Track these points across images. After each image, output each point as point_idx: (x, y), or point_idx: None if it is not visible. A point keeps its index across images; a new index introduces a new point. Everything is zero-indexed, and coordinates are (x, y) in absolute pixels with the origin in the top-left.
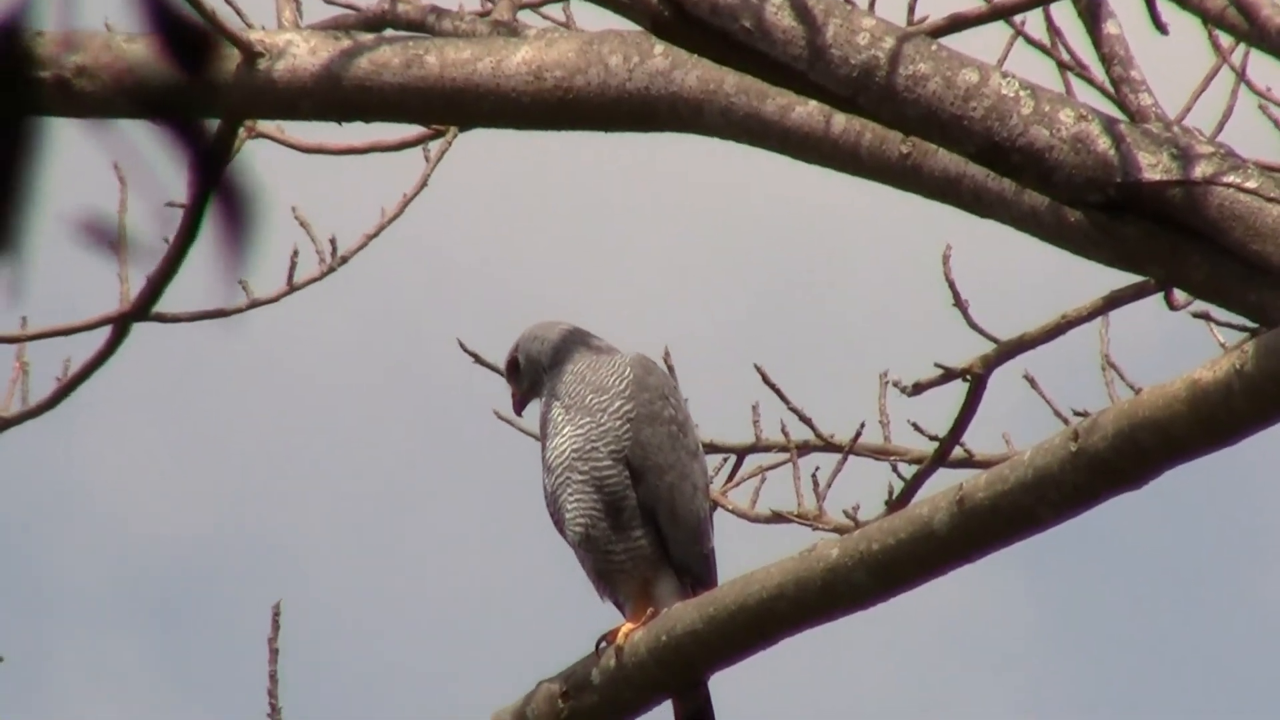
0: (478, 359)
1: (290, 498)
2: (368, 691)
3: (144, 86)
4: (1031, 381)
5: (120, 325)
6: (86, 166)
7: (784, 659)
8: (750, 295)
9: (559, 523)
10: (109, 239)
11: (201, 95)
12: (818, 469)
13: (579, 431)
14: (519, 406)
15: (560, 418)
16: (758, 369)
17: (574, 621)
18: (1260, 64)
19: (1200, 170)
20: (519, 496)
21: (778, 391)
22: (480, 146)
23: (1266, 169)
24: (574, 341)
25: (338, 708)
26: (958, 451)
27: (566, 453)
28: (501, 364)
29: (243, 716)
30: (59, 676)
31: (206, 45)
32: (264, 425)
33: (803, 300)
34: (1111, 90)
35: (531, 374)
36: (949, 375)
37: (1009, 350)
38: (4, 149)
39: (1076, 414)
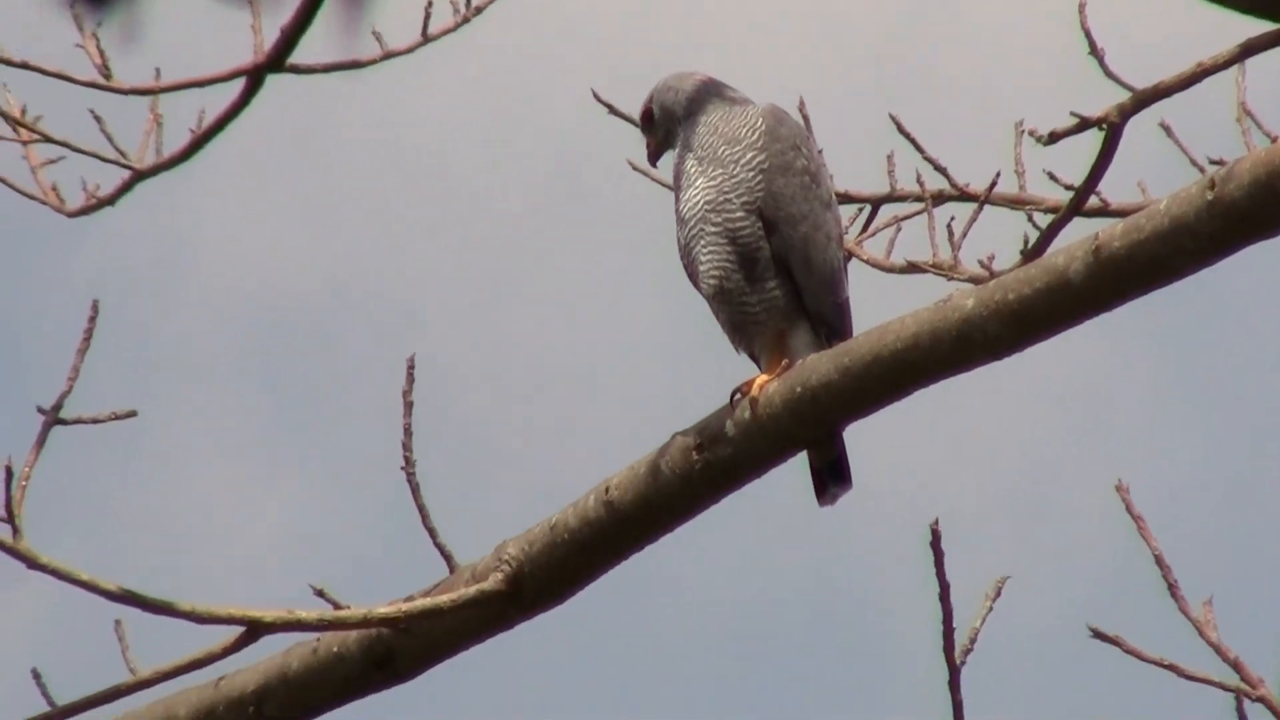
0: (612, 109)
1: (421, 253)
2: (502, 447)
3: None
4: (1167, 130)
5: (254, 76)
6: None
7: (896, 415)
8: (884, 44)
9: (693, 275)
10: None
11: None
12: (953, 219)
13: (711, 183)
14: (654, 157)
15: (693, 169)
16: (892, 118)
17: (709, 375)
18: None
19: None
20: (655, 250)
21: (912, 141)
22: None
23: None
24: (708, 92)
25: (468, 463)
26: (1093, 201)
27: (699, 204)
28: (636, 114)
29: (365, 470)
30: (176, 431)
31: None
32: (394, 180)
33: (938, 50)
34: None
35: (666, 124)
36: (1084, 124)
37: (1145, 98)
38: None
39: (1212, 162)
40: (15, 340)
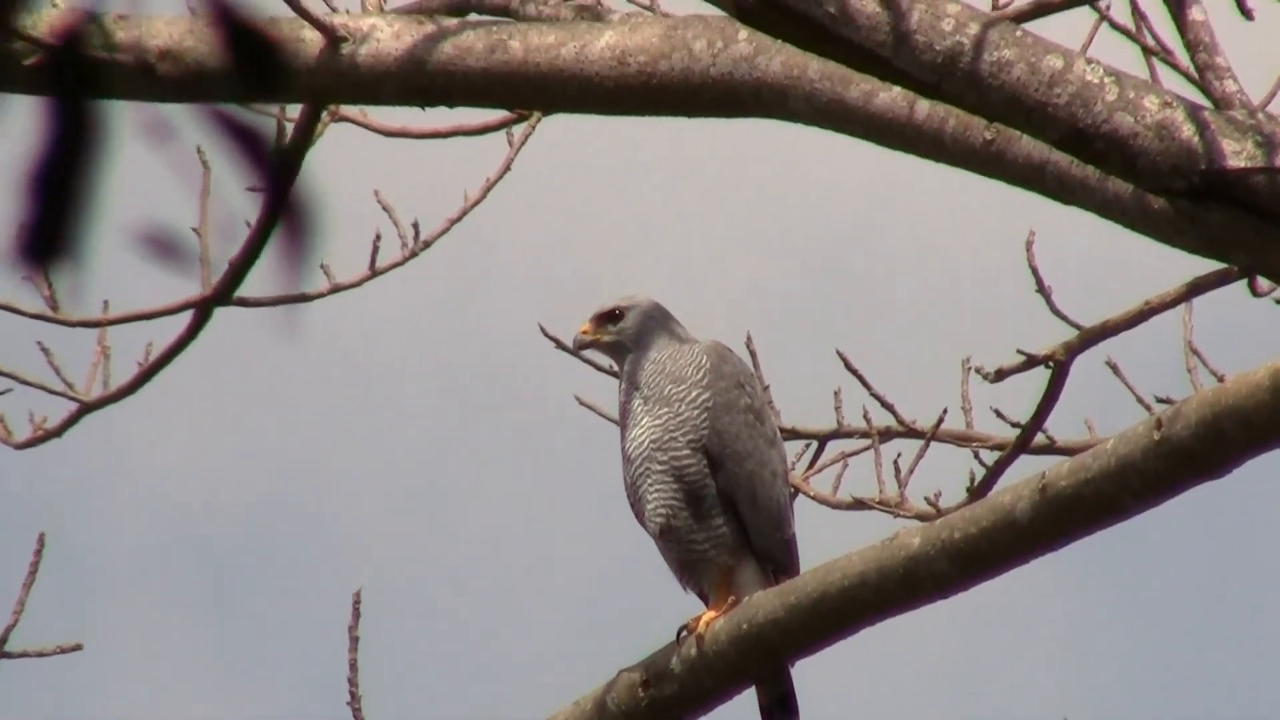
0: (559, 344)
1: (364, 481)
2: (439, 680)
3: (216, 77)
4: (1114, 368)
5: (202, 309)
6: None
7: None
8: (831, 280)
9: (639, 513)
10: (168, 248)
11: (266, 89)
12: (899, 455)
13: (657, 422)
14: (582, 347)
15: (639, 409)
16: (840, 354)
17: (655, 611)
18: None
19: None
20: (600, 485)
21: (859, 377)
22: (563, 131)
23: None
24: (658, 325)
25: (405, 693)
26: (1040, 439)
27: (645, 443)
28: (573, 339)
29: (304, 697)
30: (118, 658)
31: (267, 46)
32: (340, 408)
33: (884, 285)
34: (1196, 76)
35: (623, 337)
36: (1031, 362)
37: (1092, 337)
38: (63, 152)
39: (1160, 401)
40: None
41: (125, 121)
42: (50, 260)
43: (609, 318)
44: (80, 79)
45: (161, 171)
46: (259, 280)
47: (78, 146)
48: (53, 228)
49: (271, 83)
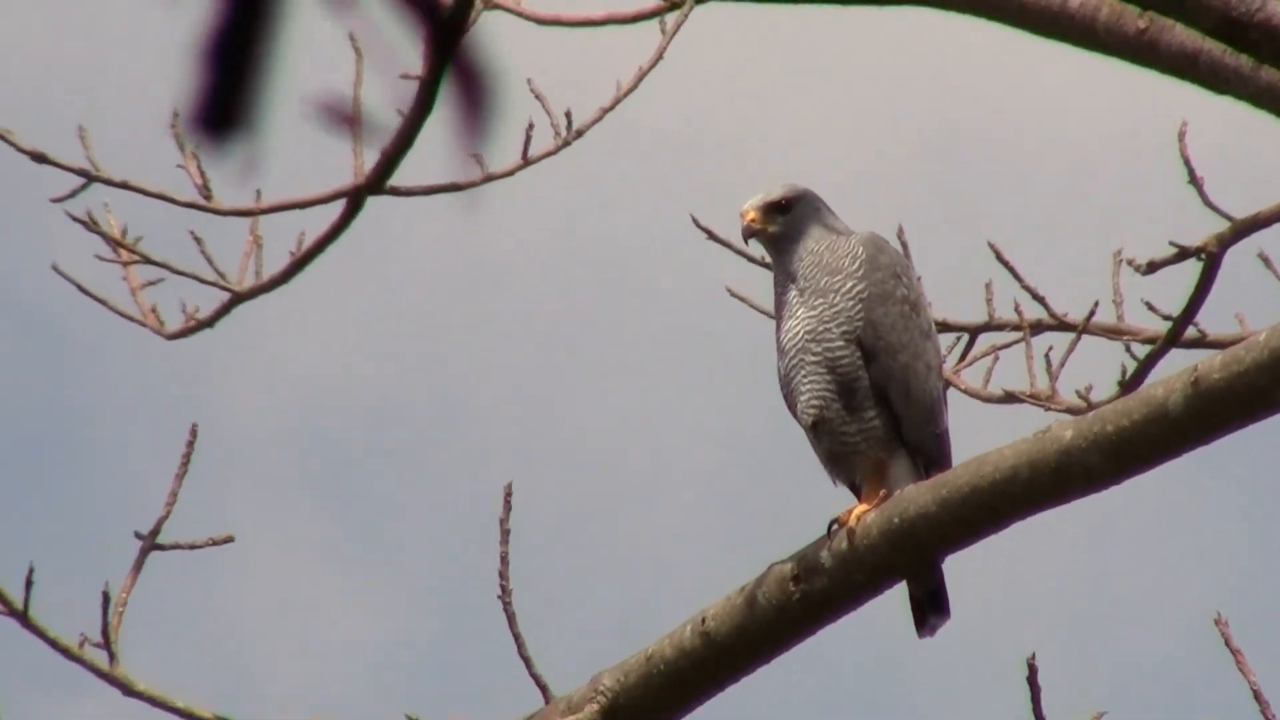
0: (711, 235)
1: (509, 375)
2: (585, 576)
3: None
4: (1266, 261)
5: (354, 198)
6: (321, 39)
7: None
8: (986, 173)
9: (792, 405)
10: (345, 118)
11: None
12: (1051, 348)
13: (812, 314)
14: (751, 235)
15: (794, 300)
16: (991, 246)
17: (806, 507)
18: None
19: None
20: (753, 377)
21: (1011, 270)
22: (717, 19)
23: None
24: (814, 217)
25: (551, 588)
26: (1192, 332)
27: (800, 335)
28: (741, 228)
29: (454, 595)
30: (257, 551)
31: None
32: (488, 300)
33: (1034, 179)
34: None
35: (788, 227)
36: (1183, 254)
37: (1244, 228)
38: (241, 21)
39: None
40: (109, 462)
41: None
42: (226, 131)
43: (777, 208)
44: None
45: (311, 55)
46: (415, 166)
47: (254, 16)
48: (230, 98)
49: None
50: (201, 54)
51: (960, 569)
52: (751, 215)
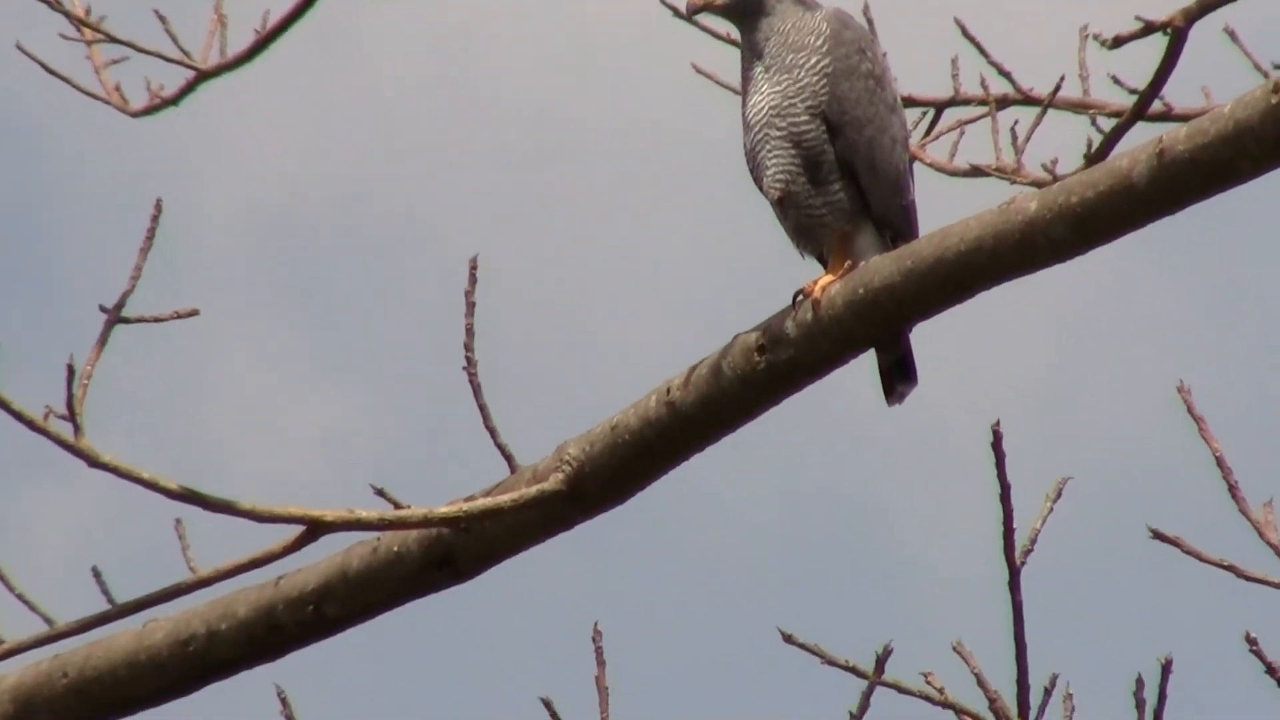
0: (676, 12)
1: (476, 160)
2: (559, 350)
3: None
4: (1232, 35)
5: None
6: None
7: (938, 325)
8: None
9: (759, 180)
10: None
11: None
12: (1016, 122)
13: (776, 89)
14: (694, 10)
15: (760, 76)
16: (957, 22)
17: (772, 279)
18: None
19: None
20: (717, 155)
21: (976, 45)
22: None
23: None
24: None
25: (524, 365)
26: (1157, 106)
27: (765, 110)
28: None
29: (418, 372)
30: (220, 332)
31: None
32: (459, 85)
33: None
34: None
35: (737, 2)
36: (1149, 28)
37: (1210, 3)
38: None
39: (1277, 67)
40: (75, 242)
41: None
42: None
43: None
44: None
45: None
46: None
47: None
48: None
49: None
50: None
51: (927, 343)
52: None
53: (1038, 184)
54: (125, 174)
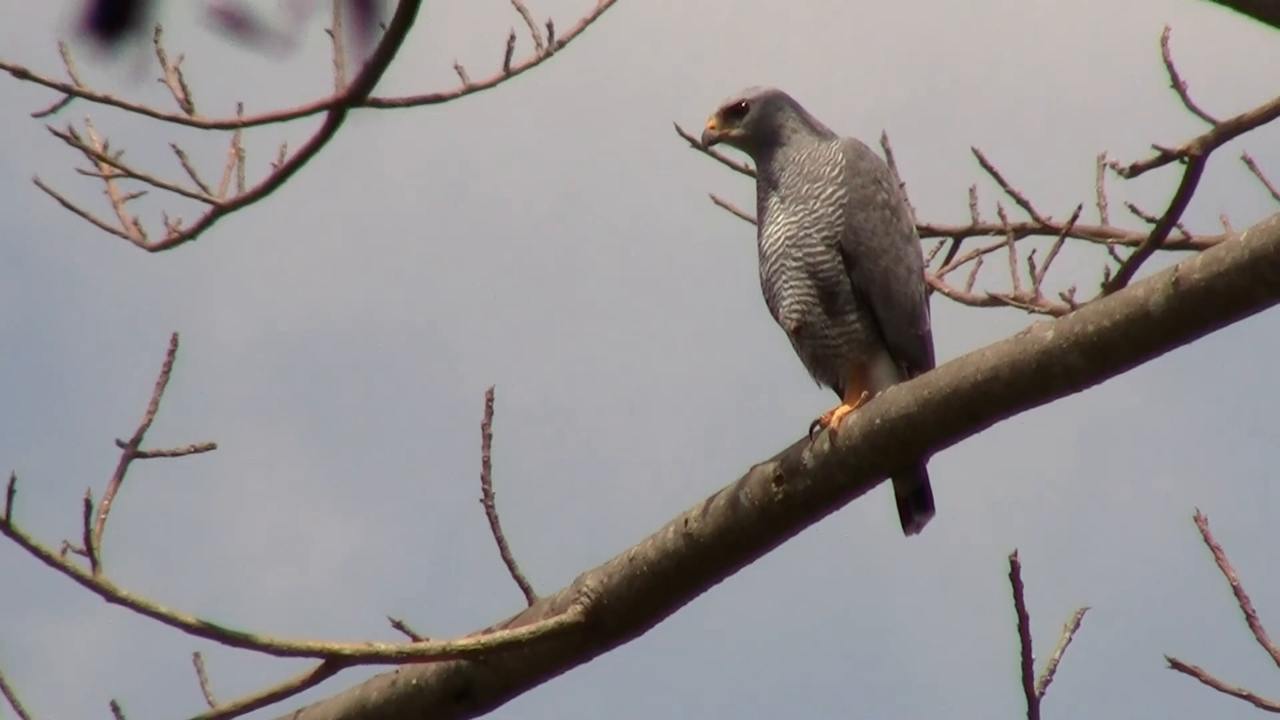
0: (695, 143)
1: (489, 287)
2: (569, 485)
3: None
4: (1250, 163)
5: (336, 110)
6: None
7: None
8: (969, 79)
9: (774, 310)
10: (238, 21)
11: None
12: (1034, 251)
13: (793, 219)
14: (710, 143)
15: (775, 206)
16: (975, 151)
17: (789, 411)
18: None
19: None
20: (734, 284)
21: (995, 174)
22: None
23: None
24: (794, 121)
25: (539, 496)
26: (1175, 234)
27: (781, 240)
28: (702, 135)
29: (435, 504)
30: (236, 464)
31: None
32: (472, 211)
33: (1020, 83)
34: None
35: (751, 131)
36: (1166, 157)
37: (1227, 131)
38: None
39: None
40: (93, 376)
41: None
42: (116, 34)
43: (735, 112)
44: None
45: None
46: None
47: None
48: (119, 2)
49: None
50: None
51: (944, 469)
52: (711, 121)
53: (1055, 313)
54: (140, 303)
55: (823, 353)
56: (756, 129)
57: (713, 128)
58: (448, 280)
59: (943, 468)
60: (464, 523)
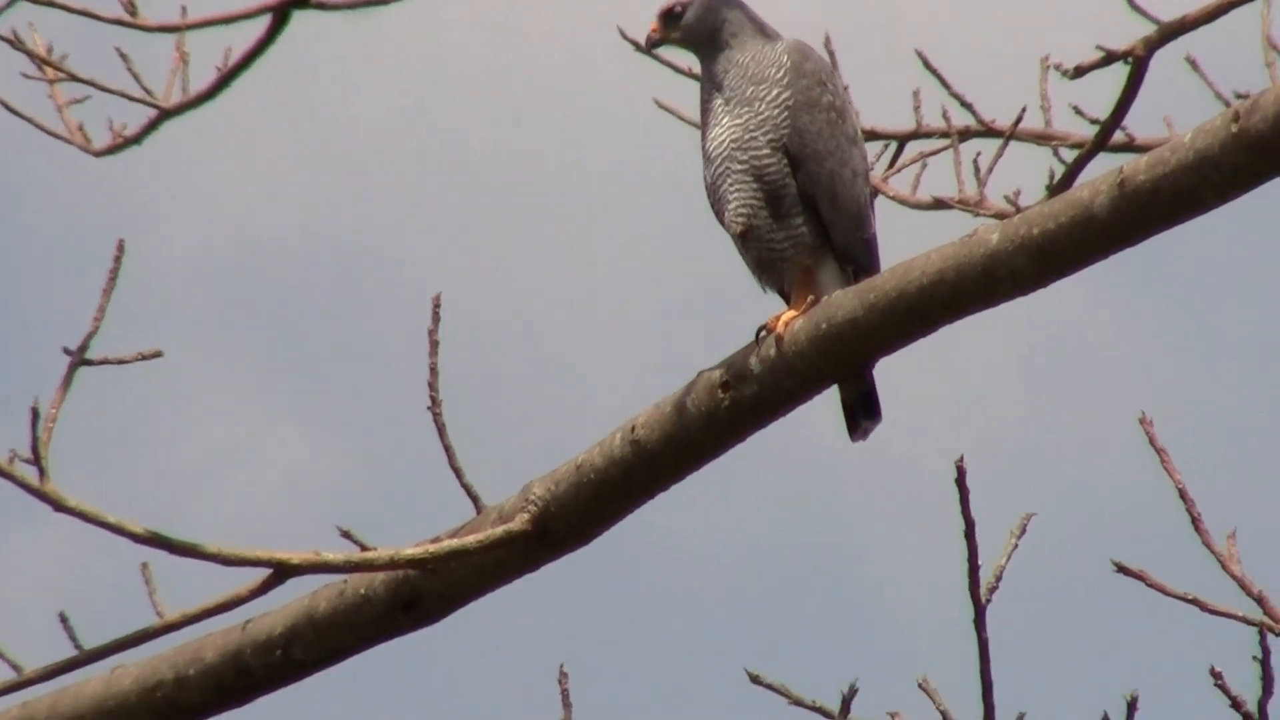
0: (639, 46)
1: (436, 197)
2: (523, 389)
3: None
4: (1194, 64)
5: (280, 13)
6: None
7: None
8: None
9: (720, 213)
10: None
11: None
12: (979, 154)
13: (738, 122)
14: (653, 45)
15: (720, 109)
16: (919, 54)
17: (734, 314)
18: None
19: None
20: (679, 189)
21: (939, 76)
22: None
23: None
24: (738, 23)
25: (489, 406)
26: (1120, 136)
27: (725, 143)
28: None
29: (382, 412)
30: (182, 374)
31: None
32: (418, 119)
33: None
34: None
35: (687, 33)
36: (1110, 57)
37: (1170, 32)
38: None
39: (1238, 96)
40: (32, 278)
41: None
42: None
43: (671, 14)
44: None
45: None
46: None
47: None
48: None
49: None
50: None
51: (895, 380)
52: (653, 24)
53: (1001, 216)
54: (87, 210)
55: (768, 256)
56: (696, 30)
57: (654, 30)
58: (395, 190)
59: (890, 377)
60: (411, 432)
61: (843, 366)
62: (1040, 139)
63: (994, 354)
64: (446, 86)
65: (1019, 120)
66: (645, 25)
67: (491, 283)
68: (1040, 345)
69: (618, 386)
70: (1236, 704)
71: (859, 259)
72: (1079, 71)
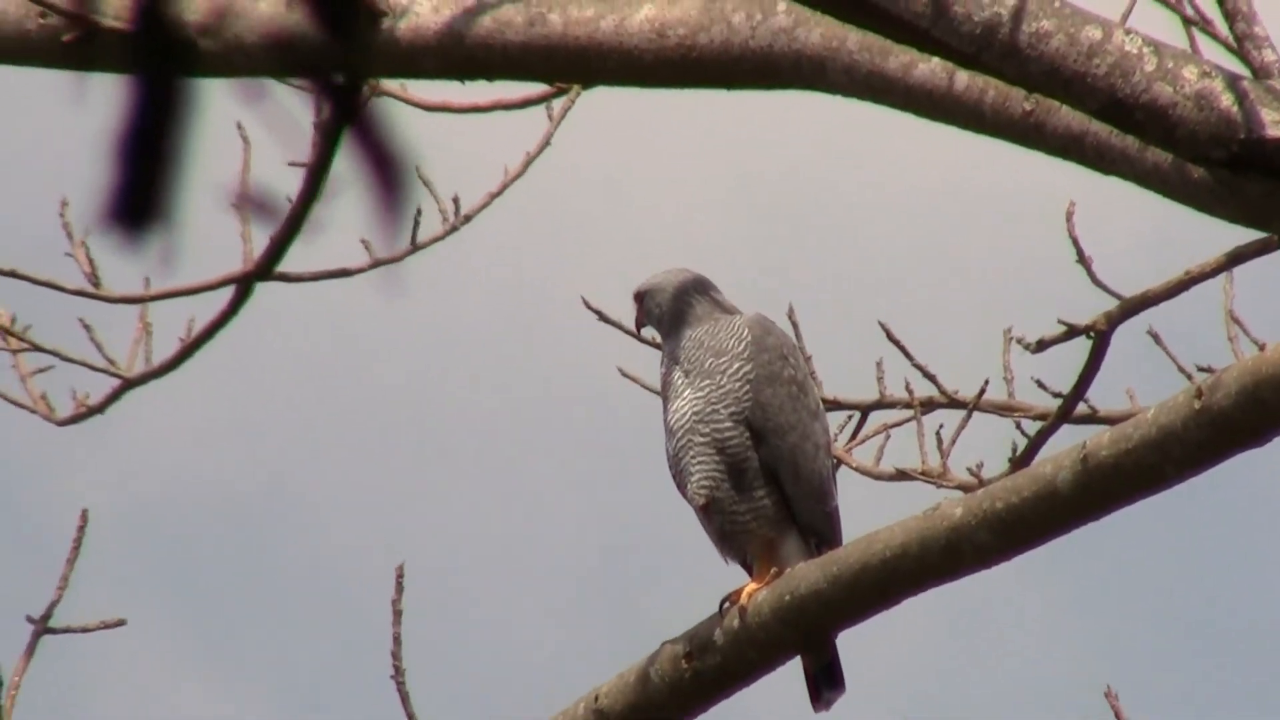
0: (602, 316)
1: (389, 459)
2: (475, 661)
3: (285, 46)
4: (1156, 338)
5: (244, 285)
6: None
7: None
8: (876, 253)
9: (682, 485)
10: (262, 205)
11: (339, 53)
12: (942, 426)
13: (699, 395)
14: (640, 326)
15: (680, 381)
16: (882, 325)
17: (698, 584)
18: None
19: None
20: (644, 455)
21: (901, 348)
22: (603, 104)
23: None
24: (695, 298)
25: (440, 673)
26: (1082, 409)
27: (688, 416)
28: (627, 319)
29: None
30: (129, 642)
31: (353, 5)
32: (382, 385)
33: (927, 257)
34: (1235, 45)
35: (655, 315)
36: (1072, 332)
37: (1133, 307)
38: (154, 116)
39: (1200, 370)
40: (3, 549)
41: (211, 86)
42: (143, 225)
43: (640, 299)
44: (160, 54)
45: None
46: (302, 254)
47: (167, 111)
48: (145, 192)
49: (348, 39)
50: (115, 149)
51: (855, 643)
52: (636, 309)
53: (964, 488)
54: (46, 480)
55: (731, 529)
56: (662, 314)
57: (638, 313)
58: (348, 453)
59: (855, 637)
60: (371, 697)
61: (806, 637)
62: (1003, 411)
63: (956, 610)
64: (410, 346)
65: (982, 392)
66: (623, 298)
67: (456, 550)
68: (1002, 605)
69: (581, 660)
70: None
71: (821, 531)
72: (1041, 345)
